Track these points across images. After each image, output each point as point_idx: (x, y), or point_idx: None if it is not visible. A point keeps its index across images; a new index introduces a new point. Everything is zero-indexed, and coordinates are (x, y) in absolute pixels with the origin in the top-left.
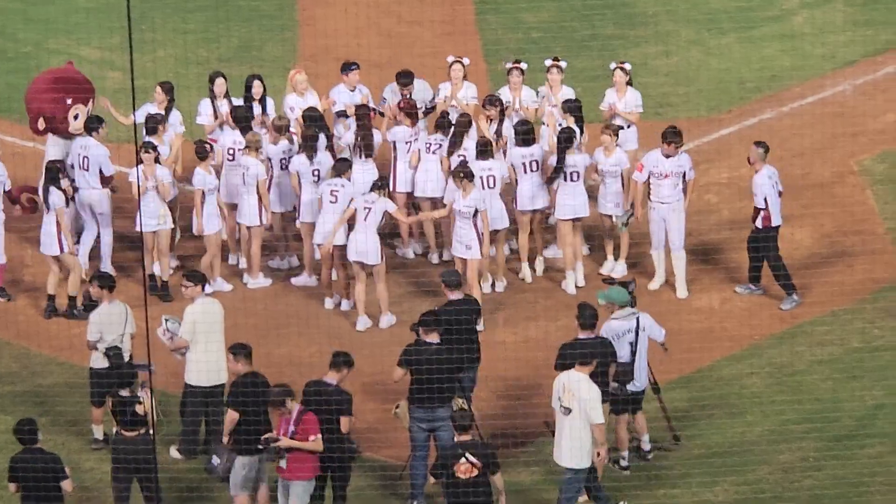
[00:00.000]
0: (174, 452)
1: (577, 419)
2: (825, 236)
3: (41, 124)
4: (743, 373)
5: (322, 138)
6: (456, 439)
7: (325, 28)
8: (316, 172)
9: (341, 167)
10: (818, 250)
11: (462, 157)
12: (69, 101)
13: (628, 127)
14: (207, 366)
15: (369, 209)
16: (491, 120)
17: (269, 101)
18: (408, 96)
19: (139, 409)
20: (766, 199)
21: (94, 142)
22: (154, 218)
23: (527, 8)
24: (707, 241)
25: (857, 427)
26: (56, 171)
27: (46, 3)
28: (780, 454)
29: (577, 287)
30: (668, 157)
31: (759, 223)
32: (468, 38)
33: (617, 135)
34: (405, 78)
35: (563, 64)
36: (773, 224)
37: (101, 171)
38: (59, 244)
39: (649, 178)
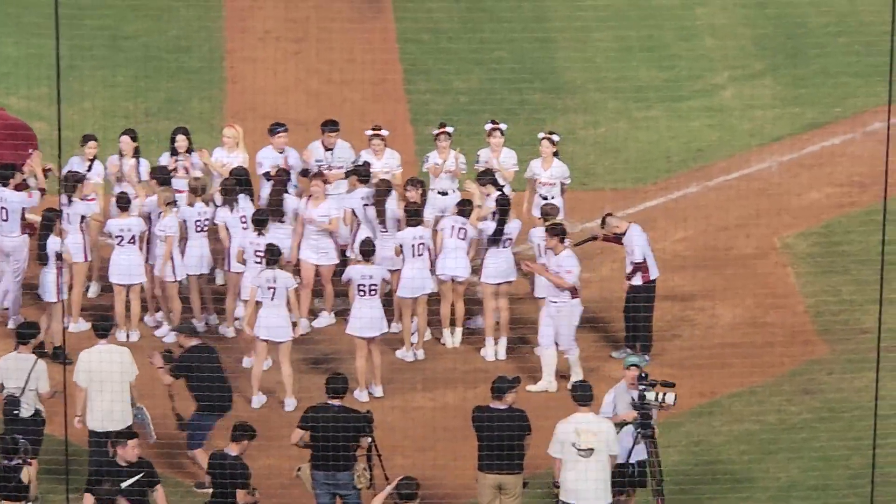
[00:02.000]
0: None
1: (601, 457)
2: (745, 312)
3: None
4: (658, 446)
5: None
6: None
7: (253, 86)
8: (243, 219)
9: (260, 223)
10: (738, 325)
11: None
12: (30, 151)
13: (552, 198)
14: (110, 410)
15: (273, 288)
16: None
17: (195, 155)
18: (329, 159)
19: (24, 475)
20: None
21: (9, 192)
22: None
23: (455, 73)
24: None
25: None
26: None
27: None
28: None
29: (497, 358)
30: (552, 251)
31: (637, 280)
32: (396, 101)
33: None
34: (331, 126)
35: (503, 127)
36: (652, 277)
37: (23, 217)
38: None
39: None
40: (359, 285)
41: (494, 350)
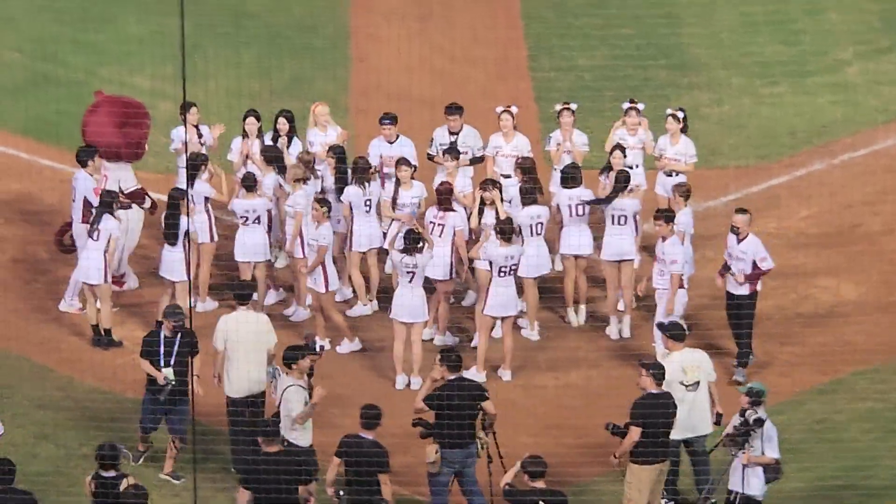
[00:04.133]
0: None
1: (703, 387)
2: (871, 290)
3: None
4: (782, 425)
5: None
6: (530, 485)
7: (378, 64)
8: (368, 203)
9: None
10: (862, 303)
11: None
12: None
13: (676, 175)
14: (246, 375)
15: (413, 273)
16: (485, 204)
17: (296, 140)
18: (454, 140)
19: (123, 484)
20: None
21: (83, 174)
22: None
23: (580, 51)
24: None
25: (893, 483)
26: (111, 200)
27: (97, 30)
28: None
29: (622, 337)
30: (662, 238)
31: (745, 289)
32: (520, 78)
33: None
34: (454, 109)
35: (640, 106)
36: (758, 288)
37: (85, 203)
38: (105, 273)
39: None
40: (500, 267)
41: (619, 328)
